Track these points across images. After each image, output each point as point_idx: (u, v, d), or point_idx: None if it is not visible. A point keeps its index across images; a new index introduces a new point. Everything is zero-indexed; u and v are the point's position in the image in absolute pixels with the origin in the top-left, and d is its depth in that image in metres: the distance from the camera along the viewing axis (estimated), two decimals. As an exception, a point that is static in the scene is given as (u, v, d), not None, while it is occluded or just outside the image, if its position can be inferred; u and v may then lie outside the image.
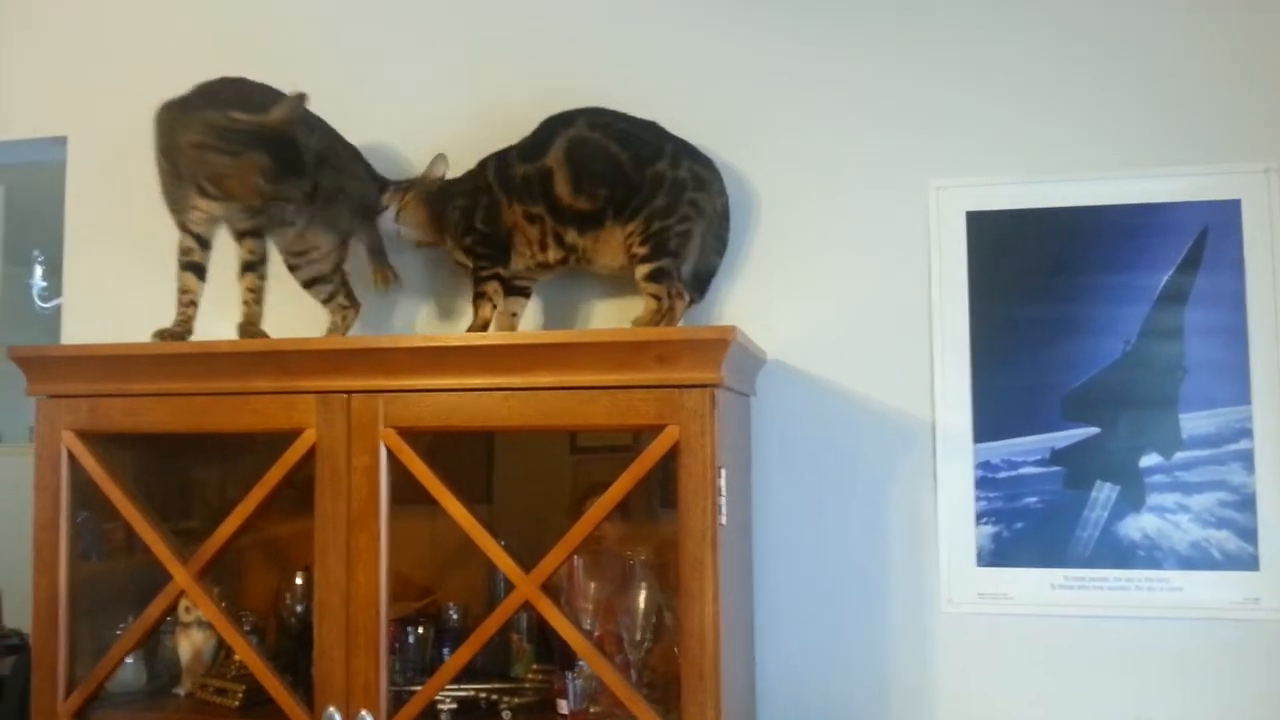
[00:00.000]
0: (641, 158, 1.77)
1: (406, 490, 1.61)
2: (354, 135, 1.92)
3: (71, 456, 1.71)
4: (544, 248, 1.81)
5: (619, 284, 1.90)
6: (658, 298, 1.73)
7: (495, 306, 1.82)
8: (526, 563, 1.57)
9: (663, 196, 1.75)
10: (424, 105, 2.05)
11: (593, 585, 1.72)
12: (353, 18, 2.12)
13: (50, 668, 1.71)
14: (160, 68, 2.17)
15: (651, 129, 1.82)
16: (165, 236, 2.11)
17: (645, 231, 1.74)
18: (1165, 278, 1.77)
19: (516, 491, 1.91)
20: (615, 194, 1.77)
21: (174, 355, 1.66)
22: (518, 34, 2.03)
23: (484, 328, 1.80)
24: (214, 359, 1.64)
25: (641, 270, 1.74)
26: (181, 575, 1.68)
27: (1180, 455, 1.75)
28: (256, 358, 1.63)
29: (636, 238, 1.75)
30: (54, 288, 5.74)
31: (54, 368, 1.72)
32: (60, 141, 2.21)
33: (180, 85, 2.13)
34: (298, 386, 1.61)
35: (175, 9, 2.19)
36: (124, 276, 2.14)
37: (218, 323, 1.82)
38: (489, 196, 1.82)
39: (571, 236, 1.79)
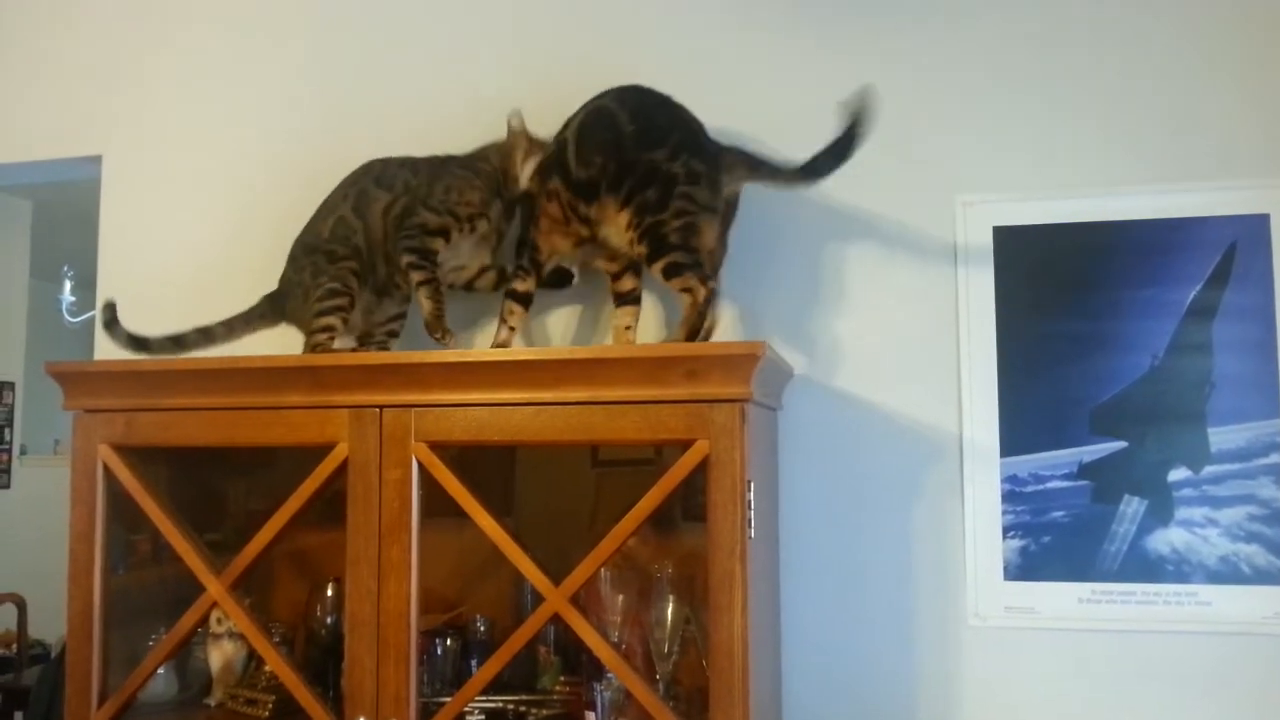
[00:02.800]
0: (645, 139, 1.71)
1: (434, 503, 1.63)
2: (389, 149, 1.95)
3: (107, 470, 1.74)
4: (567, 221, 1.78)
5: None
6: (687, 289, 1.66)
7: (514, 329, 1.83)
8: (548, 575, 1.59)
9: (654, 190, 1.68)
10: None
11: (620, 598, 1.73)
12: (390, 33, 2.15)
13: (84, 678, 1.73)
14: (193, 88, 2.22)
15: (671, 114, 1.75)
16: (198, 255, 2.15)
17: (639, 226, 1.68)
18: (1193, 292, 1.77)
19: (538, 504, 1.92)
20: (609, 165, 1.72)
21: (210, 370, 1.69)
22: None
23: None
24: (249, 374, 1.67)
25: (655, 270, 1.69)
26: (215, 587, 1.70)
27: (1209, 469, 1.75)
28: (290, 372, 1.65)
29: (634, 233, 1.69)
30: (83, 303, 5.82)
31: (91, 383, 1.74)
32: (95, 161, 2.25)
33: (213, 106, 2.19)
34: (331, 401, 1.63)
35: (209, 31, 2.22)
36: (156, 293, 2.17)
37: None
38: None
39: (583, 209, 1.76)
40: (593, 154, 1.74)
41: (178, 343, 1.88)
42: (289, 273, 1.91)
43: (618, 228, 1.73)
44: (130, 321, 1.94)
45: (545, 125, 1.85)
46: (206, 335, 1.90)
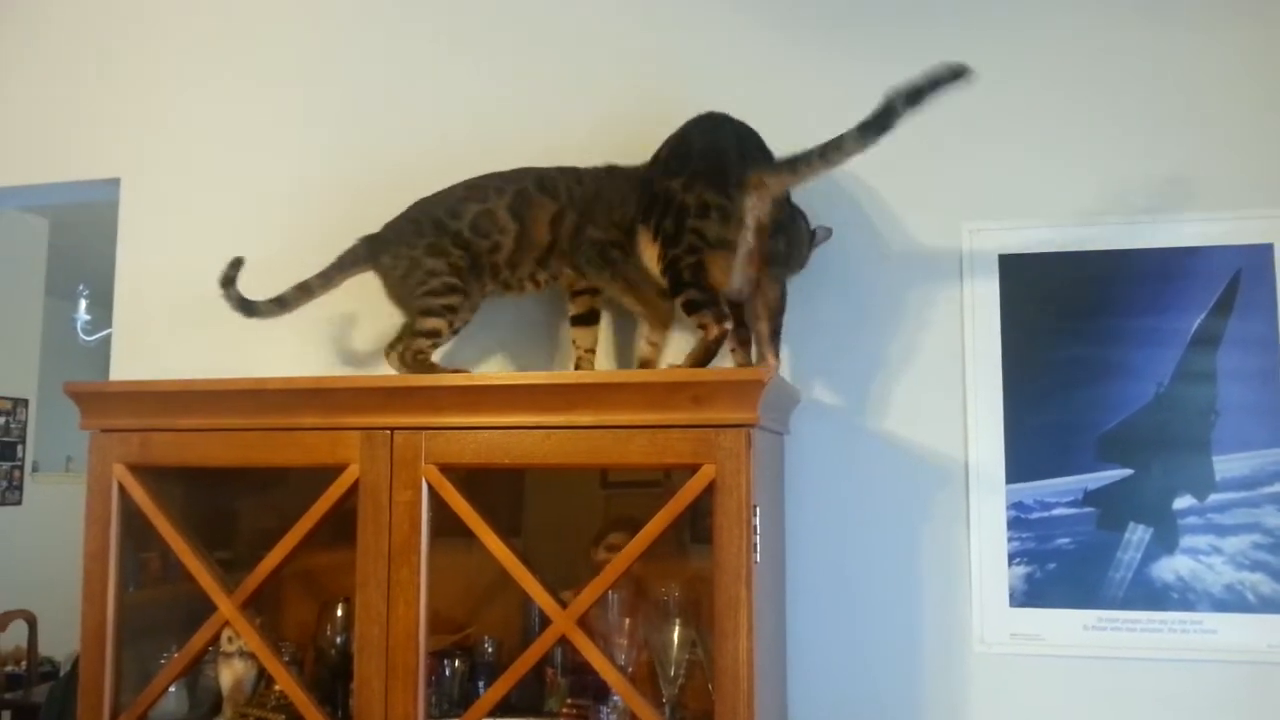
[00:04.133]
0: (671, 165, 1.69)
1: (443, 524, 1.64)
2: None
3: (121, 489, 1.76)
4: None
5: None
6: (703, 326, 1.64)
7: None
8: (557, 596, 1.60)
9: (670, 220, 1.66)
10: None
11: (626, 620, 1.74)
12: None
13: (97, 696, 1.74)
14: (212, 112, 2.25)
15: (709, 138, 1.69)
16: (213, 276, 2.16)
17: (663, 259, 1.67)
18: (1198, 321, 1.79)
19: (547, 525, 1.94)
20: (641, 196, 1.73)
21: (225, 391, 1.71)
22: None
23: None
24: (264, 395, 1.69)
25: (677, 306, 1.68)
26: (226, 606, 1.72)
27: (1214, 498, 1.76)
28: (304, 394, 1.67)
29: (660, 264, 1.68)
30: (97, 321, 5.86)
31: (108, 403, 1.77)
32: (113, 183, 2.28)
33: (231, 130, 2.22)
34: (343, 423, 1.65)
35: (229, 56, 2.26)
36: (172, 314, 2.20)
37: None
38: None
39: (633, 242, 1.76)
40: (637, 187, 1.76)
41: (280, 303, 1.88)
42: (404, 230, 1.84)
43: (651, 258, 1.72)
44: (147, 342, 1.96)
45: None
46: (303, 290, 1.88)
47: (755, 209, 1.65)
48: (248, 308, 1.88)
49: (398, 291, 1.85)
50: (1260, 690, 1.72)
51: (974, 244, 1.88)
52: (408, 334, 1.82)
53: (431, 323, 1.79)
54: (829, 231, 1.87)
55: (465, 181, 1.87)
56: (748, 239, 1.66)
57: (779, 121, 1.95)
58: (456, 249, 1.80)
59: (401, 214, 1.88)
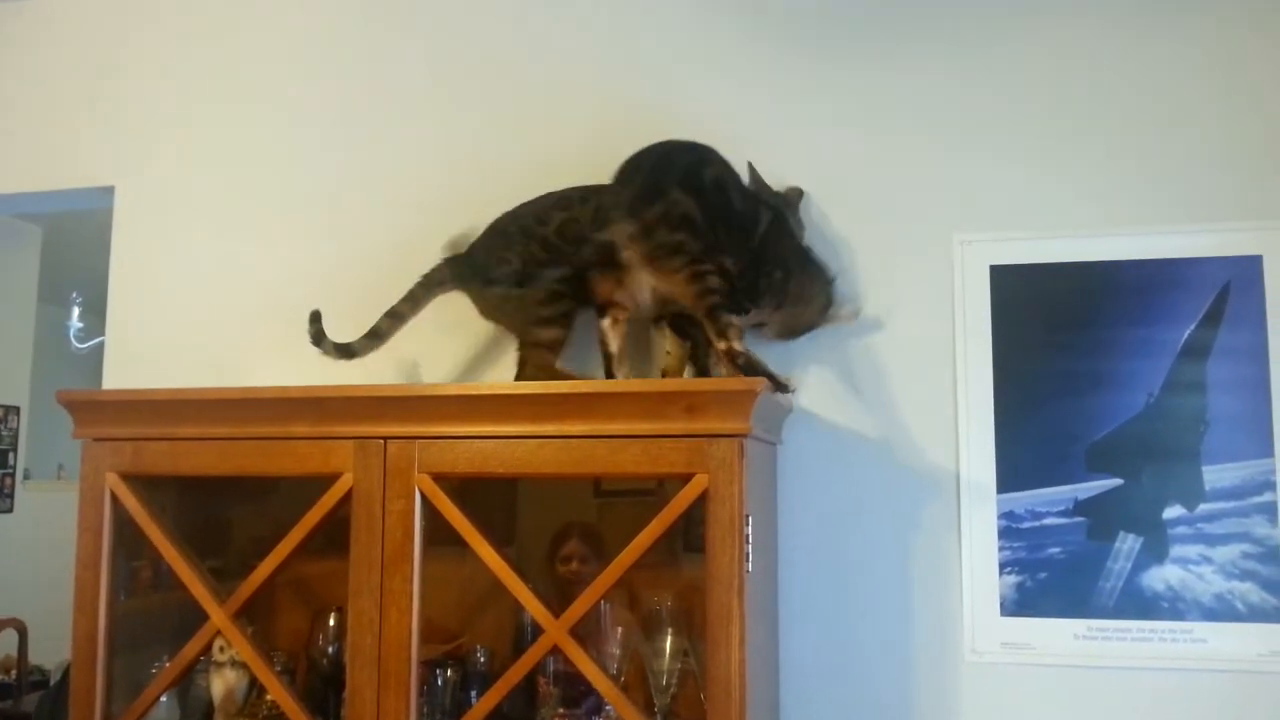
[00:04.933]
0: None
1: (436, 533, 1.64)
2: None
3: (114, 497, 1.76)
4: None
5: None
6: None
7: None
8: (548, 605, 1.60)
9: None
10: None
11: (619, 630, 1.75)
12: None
13: (88, 705, 1.74)
14: (205, 121, 2.26)
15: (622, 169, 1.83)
16: (210, 287, 2.16)
17: None
18: (1188, 332, 1.80)
19: (540, 534, 1.94)
20: None
21: (218, 401, 1.71)
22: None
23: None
24: (257, 404, 1.69)
25: None
26: (218, 615, 1.72)
27: (1203, 507, 1.77)
28: (298, 403, 1.67)
29: None
30: (90, 329, 5.84)
31: (101, 411, 1.77)
32: (108, 191, 2.28)
33: (225, 140, 2.22)
34: (336, 432, 1.65)
35: (223, 65, 2.26)
36: (166, 323, 2.20)
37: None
38: None
39: None
40: None
41: (375, 335, 1.87)
42: (493, 245, 1.87)
43: None
44: (140, 350, 1.95)
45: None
46: (394, 317, 1.87)
47: (617, 233, 1.77)
48: (346, 351, 1.86)
49: (501, 310, 1.88)
50: (1249, 699, 1.72)
51: (965, 255, 1.89)
52: (524, 349, 1.83)
53: (550, 335, 1.82)
54: (800, 192, 1.92)
55: (551, 193, 1.88)
56: (622, 256, 1.77)
57: (770, 134, 1.98)
58: (558, 265, 1.82)
59: (484, 232, 1.89)
